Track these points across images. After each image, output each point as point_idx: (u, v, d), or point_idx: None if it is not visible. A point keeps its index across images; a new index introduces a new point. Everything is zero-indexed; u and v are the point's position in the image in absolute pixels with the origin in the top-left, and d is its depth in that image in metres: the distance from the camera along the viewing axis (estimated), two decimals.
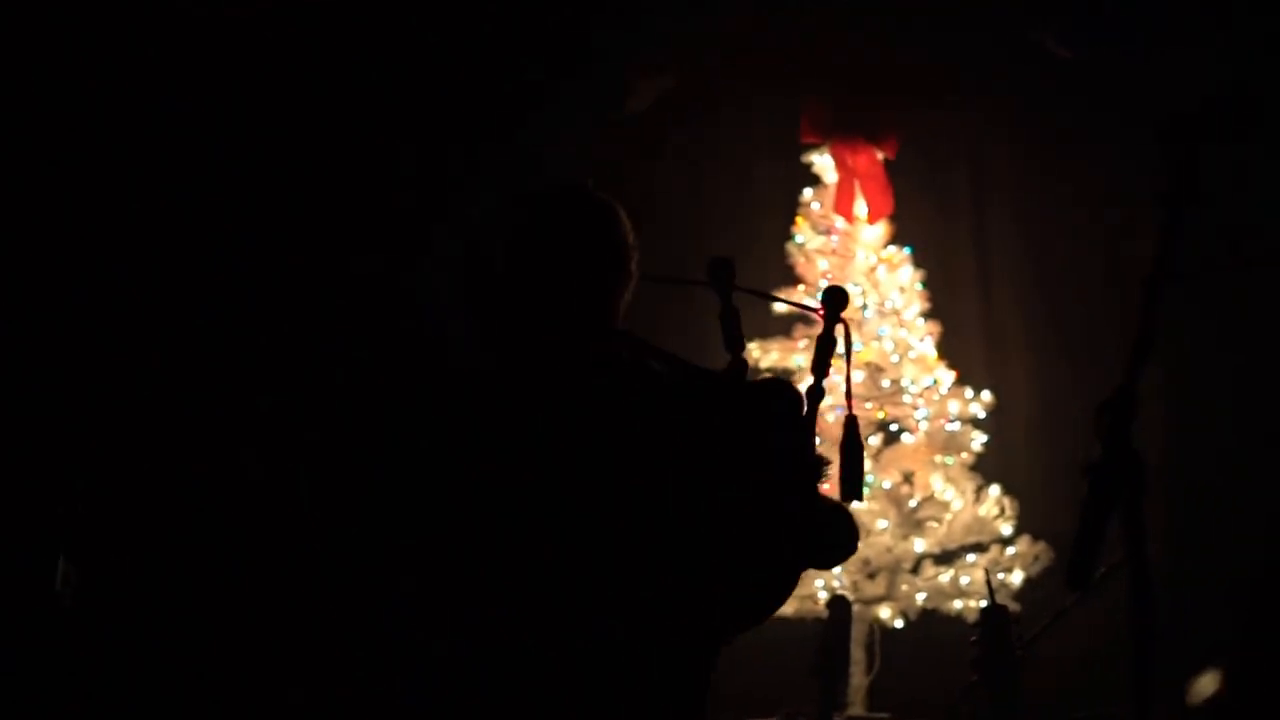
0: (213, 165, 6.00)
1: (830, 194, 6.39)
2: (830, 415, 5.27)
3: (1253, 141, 2.03)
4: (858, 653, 5.95)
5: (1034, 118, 6.42)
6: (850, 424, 3.15)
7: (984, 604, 4.58)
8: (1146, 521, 1.87)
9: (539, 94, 6.08)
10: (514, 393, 2.88)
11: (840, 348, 3.05)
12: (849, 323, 3.07)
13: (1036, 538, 6.02)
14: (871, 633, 6.02)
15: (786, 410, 2.95)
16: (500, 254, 2.95)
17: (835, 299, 3.08)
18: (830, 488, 3.01)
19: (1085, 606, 4.37)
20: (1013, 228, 6.57)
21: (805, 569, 3.01)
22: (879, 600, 5.99)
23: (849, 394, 3.17)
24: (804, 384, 2.94)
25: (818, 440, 3.00)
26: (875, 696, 5.99)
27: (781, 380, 3.05)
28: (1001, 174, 6.59)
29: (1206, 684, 3.45)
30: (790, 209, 6.42)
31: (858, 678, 5.96)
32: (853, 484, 3.09)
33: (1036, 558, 5.99)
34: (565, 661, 2.72)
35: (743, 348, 3.06)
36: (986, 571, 5.19)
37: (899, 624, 6.00)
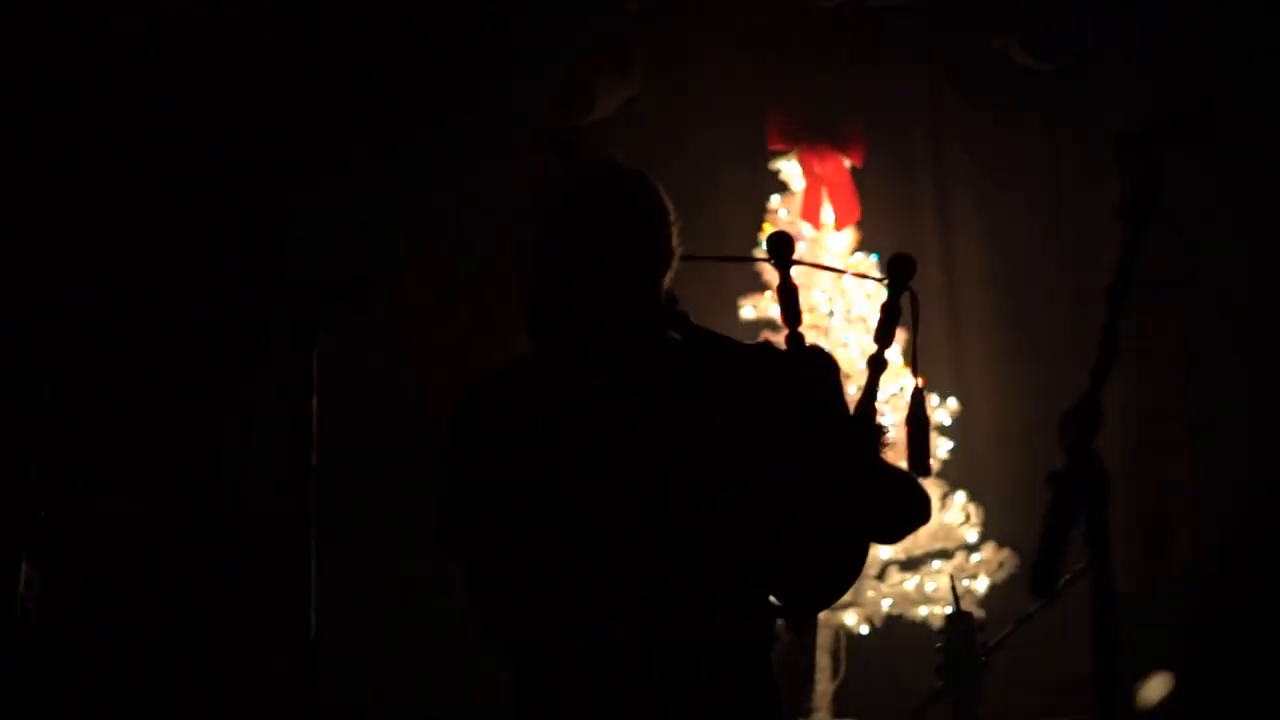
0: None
1: (797, 200, 6.40)
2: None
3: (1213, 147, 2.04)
4: (823, 659, 5.96)
5: (999, 126, 6.44)
6: (917, 397, 3.13)
7: (949, 610, 4.60)
8: (1109, 529, 1.89)
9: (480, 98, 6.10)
10: (552, 387, 2.85)
11: (904, 322, 2.99)
12: (915, 292, 3.00)
13: (1001, 545, 6.03)
14: (837, 639, 6.03)
15: (819, 379, 2.92)
16: (535, 243, 2.92)
17: (901, 267, 3.02)
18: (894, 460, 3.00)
19: (1050, 612, 4.39)
20: (979, 235, 6.58)
21: (870, 542, 2.98)
22: (845, 606, 6.00)
23: (914, 365, 3.20)
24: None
25: (881, 411, 2.99)
26: (840, 702, 5.99)
27: (814, 348, 3.02)
28: (968, 181, 6.61)
29: (1156, 687, 3.46)
30: (757, 215, 6.43)
31: (823, 684, 5.97)
32: (920, 457, 3.07)
33: (1001, 564, 6.00)
34: (646, 649, 2.73)
35: (800, 323, 3.02)
36: (951, 578, 5.21)
37: (864, 630, 6.01)
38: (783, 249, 3.11)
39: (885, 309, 3.01)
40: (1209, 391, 6.11)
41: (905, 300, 3.04)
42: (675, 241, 2.95)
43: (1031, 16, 5.99)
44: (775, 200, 6.45)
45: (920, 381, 3.12)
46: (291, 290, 2.88)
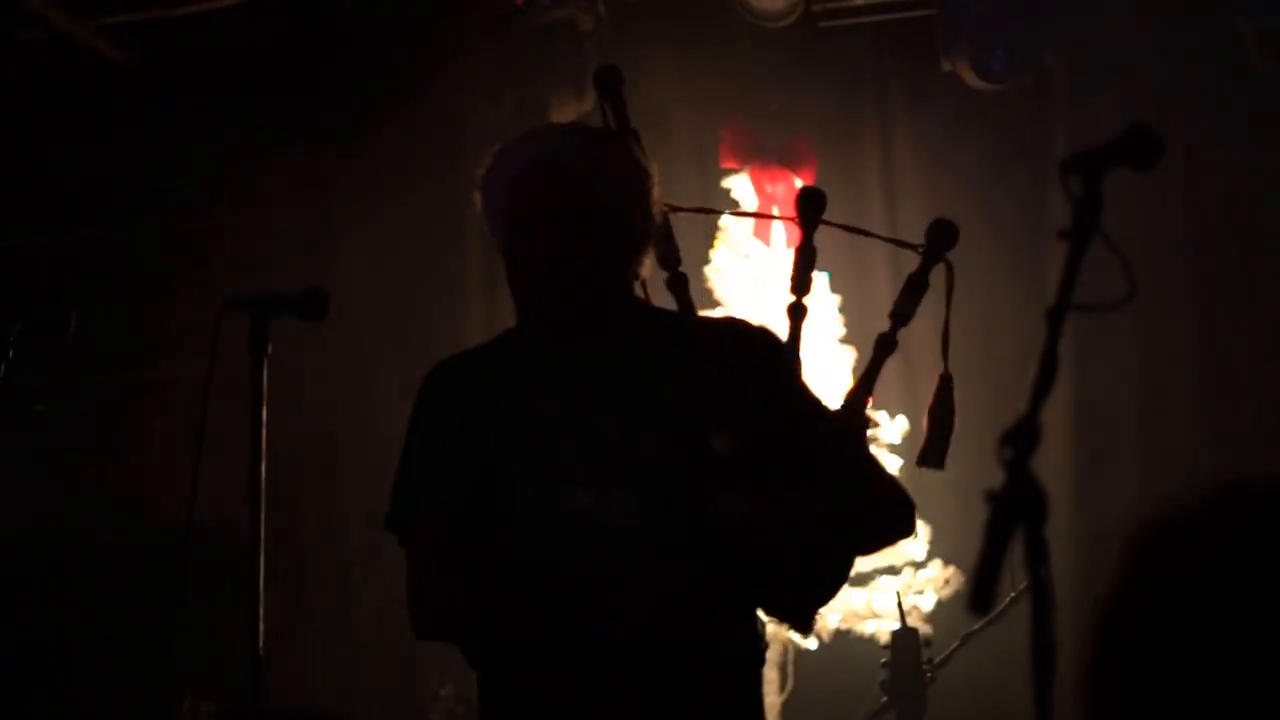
0: None
1: (749, 219, 6.43)
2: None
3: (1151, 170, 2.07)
4: (770, 673, 5.98)
5: (949, 147, 6.48)
6: (944, 385, 2.94)
7: (895, 627, 4.63)
8: (1047, 548, 1.91)
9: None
10: (516, 369, 2.74)
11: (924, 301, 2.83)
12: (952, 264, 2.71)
13: (949, 562, 6.08)
14: (785, 653, 6.06)
15: (757, 359, 2.72)
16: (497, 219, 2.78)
17: (942, 234, 2.77)
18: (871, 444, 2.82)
19: (995, 629, 4.42)
20: None
21: (852, 549, 2.74)
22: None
23: (945, 347, 2.90)
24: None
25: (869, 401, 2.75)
26: (787, 716, 6.02)
27: (749, 325, 2.81)
28: (918, 202, 6.65)
29: None
30: (709, 233, 6.46)
31: (770, 697, 5.99)
32: (935, 449, 2.88)
33: (948, 581, 6.04)
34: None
35: (807, 291, 2.86)
36: (898, 594, 5.24)
37: (812, 645, 6.03)
38: (813, 205, 2.91)
39: (912, 280, 2.78)
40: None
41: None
42: (652, 208, 2.79)
43: (981, 38, 6.03)
44: (727, 218, 6.48)
45: (948, 367, 2.85)
46: (241, 303, 2.87)
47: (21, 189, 6.72)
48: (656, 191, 2.81)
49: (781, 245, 6.38)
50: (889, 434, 6.19)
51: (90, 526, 6.45)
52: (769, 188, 6.38)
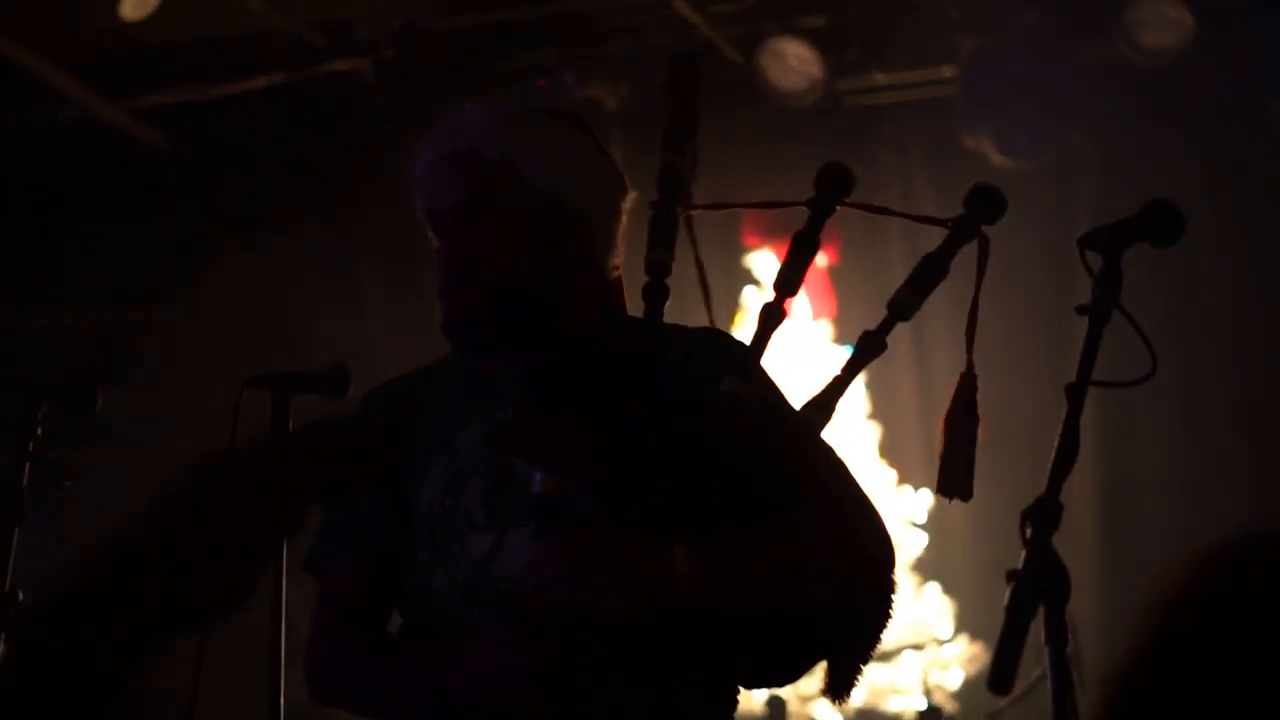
0: None
1: (771, 295, 6.44)
2: None
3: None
4: None
5: None
6: (965, 385, 2.29)
7: (921, 705, 4.60)
8: (1069, 627, 1.90)
9: None
10: (454, 396, 2.38)
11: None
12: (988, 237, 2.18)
13: (975, 638, 6.05)
14: None
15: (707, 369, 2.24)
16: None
17: (986, 201, 2.19)
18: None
19: (1022, 708, 4.39)
20: (951, 330, 6.62)
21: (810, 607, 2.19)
22: (816, 698, 5.98)
23: (970, 338, 2.28)
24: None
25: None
26: None
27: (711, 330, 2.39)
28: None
29: None
30: (731, 309, 6.47)
31: None
32: (956, 470, 2.14)
33: (974, 658, 6.00)
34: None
35: (793, 293, 2.19)
36: (924, 672, 5.21)
37: None
38: (833, 183, 2.21)
39: (928, 261, 2.19)
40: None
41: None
42: (612, 204, 2.39)
43: (1003, 117, 6.05)
44: (749, 293, 6.50)
45: (970, 362, 2.24)
46: (263, 382, 2.86)
47: (49, 268, 6.78)
48: (624, 186, 2.42)
49: (806, 317, 6.39)
50: (913, 510, 6.18)
51: None
52: None
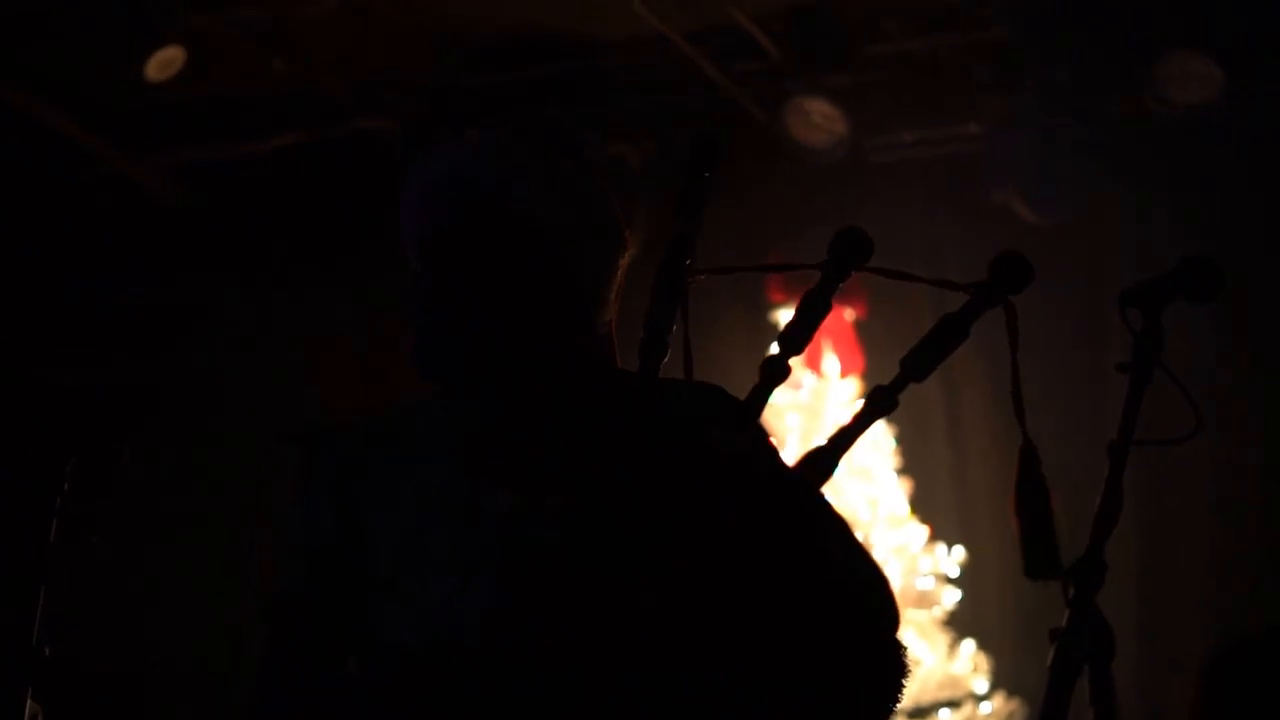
0: None
1: None
2: None
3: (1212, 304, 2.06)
4: None
5: None
6: (1027, 458, 2.15)
7: None
8: (1114, 686, 1.89)
9: None
10: (423, 443, 2.25)
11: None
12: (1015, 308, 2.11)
13: (1011, 694, 6.01)
14: None
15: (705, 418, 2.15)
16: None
17: (1009, 272, 2.11)
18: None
19: None
20: (982, 387, 6.61)
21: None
22: None
23: (1019, 409, 2.13)
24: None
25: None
26: None
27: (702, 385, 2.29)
28: (975, 332, 6.63)
29: None
30: (758, 365, 6.46)
31: None
32: (1038, 549, 2.01)
33: (1010, 715, 5.97)
34: None
35: (798, 351, 2.13)
36: None
37: None
38: (848, 248, 2.18)
39: (948, 322, 2.12)
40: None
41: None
42: (608, 249, 2.26)
43: (1029, 172, 6.05)
44: (776, 350, 6.48)
45: (1025, 432, 2.11)
46: (291, 439, 2.76)
47: (76, 322, 6.82)
48: (623, 241, 2.30)
49: (834, 375, 6.38)
50: (946, 565, 6.15)
51: (153, 658, 6.49)
52: None
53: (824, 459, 1.99)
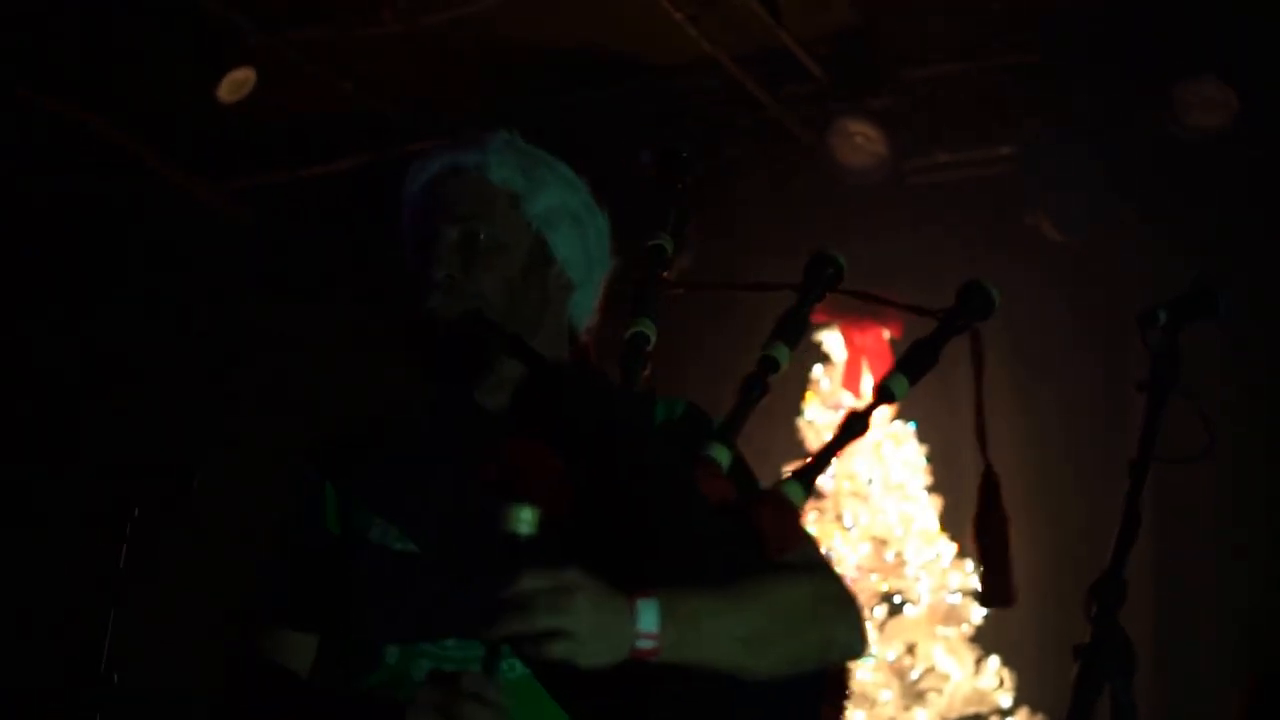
0: None
1: (838, 371, 6.52)
2: None
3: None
4: None
5: (1032, 297, 6.55)
6: (987, 484, 2.21)
7: None
8: (1134, 700, 1.94)
9: None
10: (407, 441, 2.26)
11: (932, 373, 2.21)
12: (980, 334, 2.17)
13: (1035, 709, 6.05)
14: None
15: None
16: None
17: (972, 299, 2.17)
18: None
19: None
20: (1012, 405, 6.66)
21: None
22: None
23: (981, 437, 2.19)
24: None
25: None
26: None
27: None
28: (1003, 351, 6.70)
29: None
30: (800, 385, 6.55)
31: None
32: (994, 577, 2.04)
33: None
34: None
35: (775, 369, 2.21)
36: None
37: None
38: (819, 270, 2.25)
39: (917, 348, 2.16)
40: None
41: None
42: (593, 250, 2.30)
43: (1061, 194, 6.10)
44: (817, 370, 6.57)
45: (988, 461, 2.13)
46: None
47: (143, 349, 6.89)
48: (607, 255, 2.33)
49: (868, 390, 6.45)
50: (975, 581, 6.19)
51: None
52: (858, 340, 6.48)
53: (804, 478, 2.11)
